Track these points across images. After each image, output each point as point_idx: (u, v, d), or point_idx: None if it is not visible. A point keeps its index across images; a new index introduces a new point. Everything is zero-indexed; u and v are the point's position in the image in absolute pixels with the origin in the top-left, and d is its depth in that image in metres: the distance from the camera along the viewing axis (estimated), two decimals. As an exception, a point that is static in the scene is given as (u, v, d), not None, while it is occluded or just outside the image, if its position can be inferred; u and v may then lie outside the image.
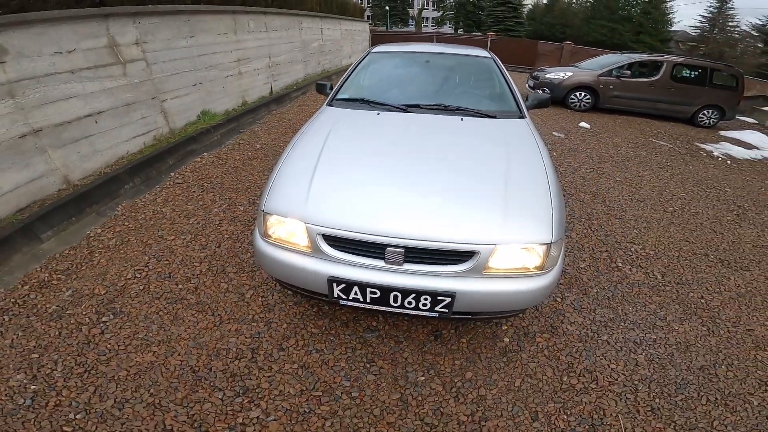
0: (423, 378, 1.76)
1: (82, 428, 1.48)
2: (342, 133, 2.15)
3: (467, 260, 1.53)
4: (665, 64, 7.17)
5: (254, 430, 1.49)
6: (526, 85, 8.44)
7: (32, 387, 1.62)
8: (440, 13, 38.29)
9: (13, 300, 2.06)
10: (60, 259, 2.44)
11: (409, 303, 1.56)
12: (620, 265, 2.67)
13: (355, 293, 1.58)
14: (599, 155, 4.96)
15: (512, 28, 29.80)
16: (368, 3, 44.55)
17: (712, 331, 2.14)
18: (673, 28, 24.57)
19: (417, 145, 2.03)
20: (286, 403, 1.61)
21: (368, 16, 44.89)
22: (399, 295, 1.54)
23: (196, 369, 1.75)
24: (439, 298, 1.53)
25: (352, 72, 2.91)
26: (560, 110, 7.55)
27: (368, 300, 1.59)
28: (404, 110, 2.41)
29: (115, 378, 1.69)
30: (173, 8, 4.09)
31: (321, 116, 2.43)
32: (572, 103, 7.54)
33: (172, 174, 3.63)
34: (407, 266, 1.54)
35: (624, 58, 7.62)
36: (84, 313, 2.03)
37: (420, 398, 1.67)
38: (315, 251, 1.61)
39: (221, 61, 5.06)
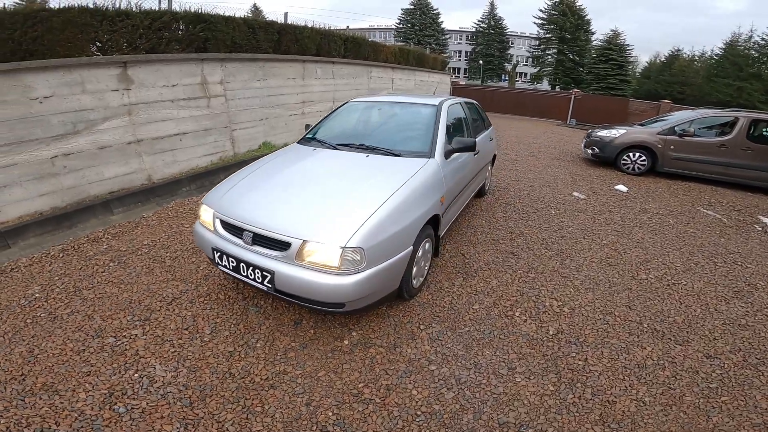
0: (259, 344, 2.26)
1: (39, 324, 2.31)
2: (277, 161, 2.95)
3: (286, 249, 2.08)
4: (741, 121, 5.97)
5: (127, 340, 2.23)
6: (582, 144, 7.86)
7: (37, 295, 2.63)
8: (537, 69, 38.23)
9: (72, 245, 3.32)
10: (116, 227, 3.71)
11: (250, 274, 2.18)
12: (517, 314, 2.63)
13: (224, 260, 2.28)
14: (606, 219, 4.53)
15: (615, 87, 28.34)
16: (466, 56, 47.61)
17: (557, 394, 2.02)
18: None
19: (313, 173, 2.67)
20: (161, 332, 2.31)
21: (465, 69, 47.87)
22: (244, 266, 2.19)
23: (132, 301, 2.60)
24: (264, 273, 2.11)
25: (325, 117, 3.67)
26: (608, 171, 6.87)
27: (230, 267, 2.27)
28: (335, 148, 3.03)
29: (84, 298, 2.61)
30: (252, 56, 5.59)
31: (283, 149, 3.25)
32: (624, 164, 6.76)
33: (220, 184, 4.90)
34: (254, 247, 2.18)
35: (693, 114, 6.61)
36: (103, 259, 3.13)
37: (243, 355, 2.17)
38: (214, 230, 2.40)
39: (287, 101, 6.45)
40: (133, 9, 4.31)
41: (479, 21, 43.97)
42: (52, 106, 3.58)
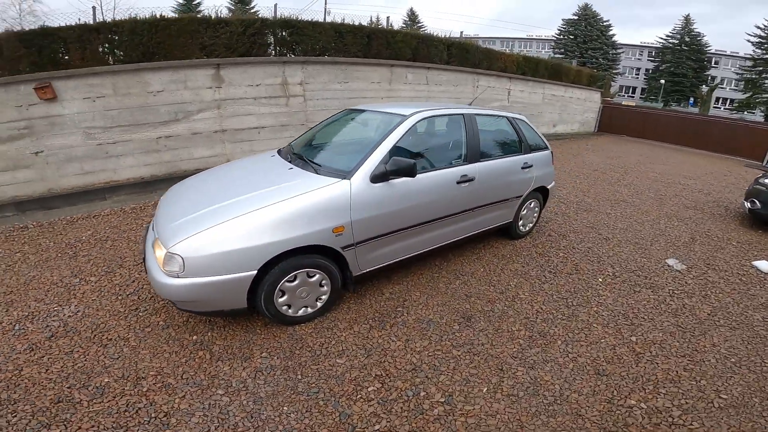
0: (142, 314, 2.61)
1: (59, 260, 3.27)
2: (232, 164, 3.32)
3: (155, 239, 2.35)
4: None
5: (84, 284, 2.94)
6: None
7: (82, 238, 3.70)
8: (747, 94, 30.23)
9: (140, 206, 4.49)
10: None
11: (145, 251, 2.55)
12: (371, 389, 2.08)
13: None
14: (683, 307, 2.86)
15: None
16: (646, 73, 40.53)
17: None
18: None
19: (234, 179, 2.85)
20: (105, 284, 2.97)
21: (642, 89, 41.24)
22: (144, 244, 2.59)
23: (119, 257, 3.39)
24: (145, 252, 2.46)
25: (317, 124, 3.67)
26: (766, 238, 4.26)
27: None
28: (287, 158, 3.03)
29: (74, 256, 3.43)
30: (333, 59, 5.99)
31: (256, 155, 3.56)
32: None
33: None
34: (152, 231, 2.55)
35: None
36: (137, 223, 4.11)
37: (122, 317, 2.58)
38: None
39: (369, 106, 6.61)
40: (231, 17, 5.31)
41: (668, 36, 37.79)
42: (162, 99, 4.87)
